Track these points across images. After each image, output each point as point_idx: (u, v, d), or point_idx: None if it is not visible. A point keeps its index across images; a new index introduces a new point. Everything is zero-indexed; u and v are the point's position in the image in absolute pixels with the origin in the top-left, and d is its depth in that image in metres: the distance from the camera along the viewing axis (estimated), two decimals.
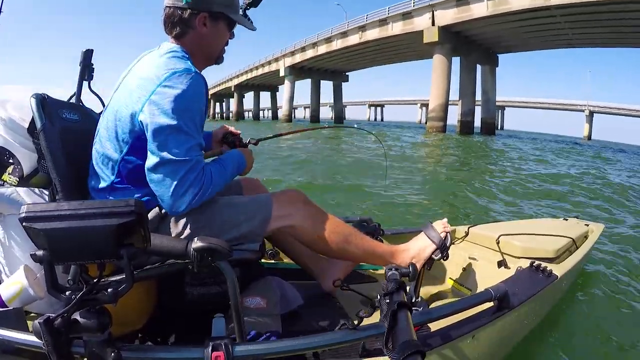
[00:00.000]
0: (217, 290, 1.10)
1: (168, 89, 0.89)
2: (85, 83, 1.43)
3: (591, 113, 59.71)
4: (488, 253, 1.61)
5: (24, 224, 0.61)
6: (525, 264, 1.40)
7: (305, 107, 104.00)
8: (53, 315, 0.69)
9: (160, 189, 0.92)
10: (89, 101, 1.39)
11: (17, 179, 1.02)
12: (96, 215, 0.62)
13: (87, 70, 1.43)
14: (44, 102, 0.98)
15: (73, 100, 1.40)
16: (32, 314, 0.99)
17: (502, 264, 1.48)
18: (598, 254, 2.69)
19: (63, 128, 1.03)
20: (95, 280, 0.70)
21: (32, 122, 0.98)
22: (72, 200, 0.94)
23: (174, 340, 1.10)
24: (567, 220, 2.33)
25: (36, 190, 1.05)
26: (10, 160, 1.03)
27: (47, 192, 1.03)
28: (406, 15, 25.00)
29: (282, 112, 40.24)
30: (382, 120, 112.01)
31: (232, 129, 1.40)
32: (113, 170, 0.99)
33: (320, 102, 45.13)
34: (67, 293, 0.68)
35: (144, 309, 1.09)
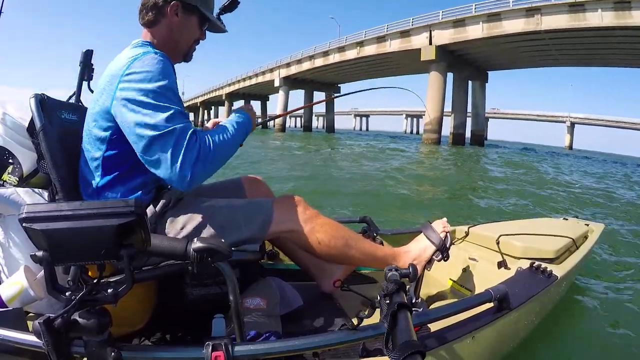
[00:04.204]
0: (217, 290, 1.10)
1: (131, 75, 0.91)
2: (85, 83, 1.44)
3: (572, 124, 61.12)
4: (488, 253, 1.61)
5: (24, 224, 0.61)
6: (525, 264, 1.40)
7: (291, 117, 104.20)
8: (53, 315, 0.69)
9: (159, 169, 0.89)
10: (89, 101, 1.40)
11: (17, 179, 1.02)
12: (96, 216, 0.62)
13: (87, 71, 1.44)
14: (43, 102, 0.98)
15: (73, 100, 1.40)
16: (32, 314, 0.99)
17: (502, 264, 1.47)
18: (598, 253, 2.69)
19: (62, 128, 1.02)
20: (95, 281, 0.70)
21: (32, 121, 0.98)
22: (71, 200, 0.94)
23: (174, 340, 1.10)
24: (567, 220, 2.32)
25: (36, 190, 1.05)
26: (10, 160, 1.03)
27: (46, 193, 1.03)
28: (404, 34, 25.51)
29: (276, 122, 40.23)
30: (367, 130, 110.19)
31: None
32: (98, 170, 0.98)
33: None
34: (67, 294, 0.68)
35: (144, 309, 1.09)
